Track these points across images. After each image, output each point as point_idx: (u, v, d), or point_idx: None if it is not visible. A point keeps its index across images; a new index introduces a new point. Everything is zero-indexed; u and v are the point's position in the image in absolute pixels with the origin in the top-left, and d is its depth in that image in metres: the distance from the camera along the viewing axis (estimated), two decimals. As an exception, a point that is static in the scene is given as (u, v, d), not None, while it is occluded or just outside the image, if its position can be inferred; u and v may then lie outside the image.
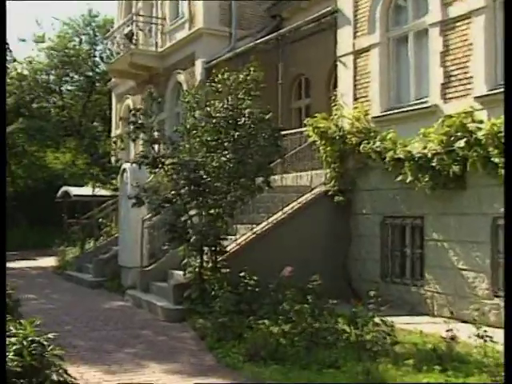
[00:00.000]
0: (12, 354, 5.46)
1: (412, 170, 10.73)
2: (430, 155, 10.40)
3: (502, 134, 8.81)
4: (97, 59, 37.26)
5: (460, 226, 10.31)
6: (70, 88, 37.91)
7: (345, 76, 13.17)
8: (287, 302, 8.23)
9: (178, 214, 10.27)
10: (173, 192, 10.40)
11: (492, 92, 9.83)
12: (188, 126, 10.58)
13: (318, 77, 17.85)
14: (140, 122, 10.33)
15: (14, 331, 5.87)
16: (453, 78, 10.66)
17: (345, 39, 13.16)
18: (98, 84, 36.68)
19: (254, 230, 11.87)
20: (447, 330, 7.62)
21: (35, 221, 31.41)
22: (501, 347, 5.97)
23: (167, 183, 11.12)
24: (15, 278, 17.64)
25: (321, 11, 14.42)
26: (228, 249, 11.30)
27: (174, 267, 12.41)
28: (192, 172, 9.82)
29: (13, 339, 5.68)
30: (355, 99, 12.84)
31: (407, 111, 11.59)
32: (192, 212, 10.76)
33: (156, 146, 10.60)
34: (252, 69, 10.65)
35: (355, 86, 12.92)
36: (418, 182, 10.66)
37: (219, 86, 10.72)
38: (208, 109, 10.61)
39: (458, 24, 10.59)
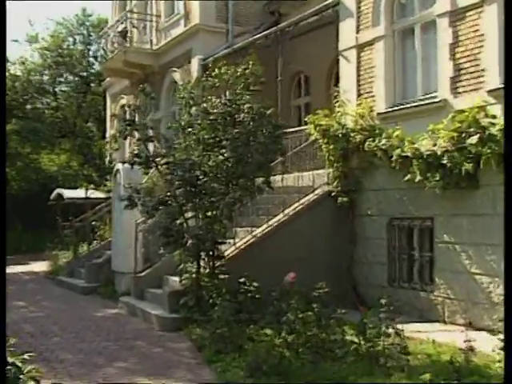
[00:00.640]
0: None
1: (421, 169, 10.14)
2: (439, 153, 9.82)
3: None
4: (91, 59, 36.61)
5: (473, 227, 9.70)
6: (64, 89, 37.22)
7: (347, 71, 12.57)
8: (291, 311, 7.60)
9: (172, 217, 9.64)
10: (167, 193, 9.78)
11: (507, 85, 9.22)
12: (183, 123, 9.95)
13: (317, 74, 17.31)
14: (132, 118, 9.70)
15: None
16: (463, 72, 10.06)
17: (347, 33, 12.56)
18: (92, 84, 36.02)
19: (254, 233, 11.26)
20: (465, 341, 7.01)
21: (30, 224, 30.78)
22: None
23: (162, 184, 10.52)
24: (7, 283, 17.06)
25: (321, 5, 13.83)
26: (226, 253, 10.69)
27: (170, 273, 11.82)
28: (187, 172, 9.18)
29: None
30: (359, 95, 12.24)
31: (414, 107, 10.99)
32: (188, 215, 10.15)
33: (150, 145, 9.94)
34: (251, 62, 10.02)
35: (358, 81, 12.32)
36: (427, 182, 10.08)
37: (216, 80, 10.10)
38: (204, 105, 9.99)
39: (469, 14, 9.99)
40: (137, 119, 9.92)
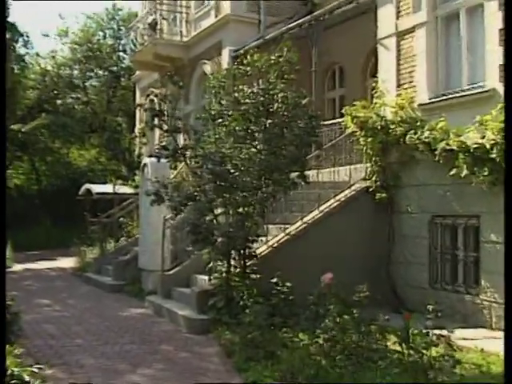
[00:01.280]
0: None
1: (467, 163, 9.44)
2: (488, 146, 9.12)
3: None
4: (121, 54, 36.32)
5: (524, 226, 8.97)
6: (94, 83, 37.02)
7: (386, 60, 11.89)
8: (330, 317, 6.97)
9: (201, 213, 9.06)
10: (196, 188, 9.22)
11: None
12: (213, 113, 9.37)
13: (353, 65, 16.69)
14: (159, 109, 9.15)
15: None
16: (514, 58, 9.32)
17: (386, 20, 11.87)
18: (122, 79, 35.75)
19: (288, 230, 10.66)
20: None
21: (59, 219, 30.65)
22: None
23: (191, 179, 9.98)
24: (33, 280, 16.76)
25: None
26: (258, 252, 10.10)
27: (199, 271, 11.31)
28: (217, 165, 8.59)
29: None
30: (398, 86, 11.56)
31: (459, 97, 10.27)
32: (218, 211, 9.59)
33: (180, 138, 9.39)
34: (285, 49, 9.40)
35: (398, 71, 11.63)
36: (474, 177, 9.38)
37: (248, 68, 9.49)
38: (236, 94, 9.40)
39: (521, -5, 9.24)
40: (165, 110, 9.33)
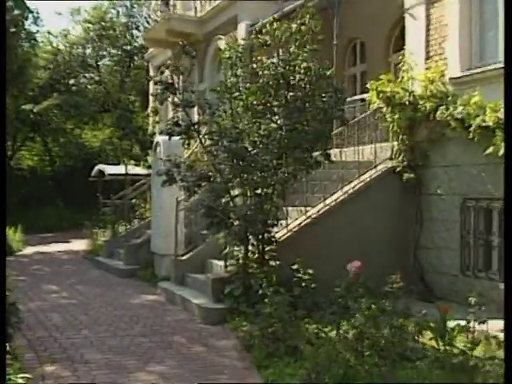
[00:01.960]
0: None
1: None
2: (529, 121, 8.33)
3: None
4: (134, 32, 35.53)
5: None
6: (107, 63, 36.30)
7: (414, 31, 11.07)
8: (360, 311, 6.27)
9: (217, 195, 8.35)
10: (211, 168, 8.52)
11: None
12: (229, 86, 8.62)
13: (375, 39, 15.80)
14: (170, 81, 8.42)
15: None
16: (559, 26, 8.50)
17: (415, -13, 11.05)
18: (136, 58, 35.01)
19: (309, 213, 9.96)
20: None
21: (72, 201, 30.17)
22: None
23: (205, 159, 9.29)
24: (43, 264, 16.20)
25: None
26: (277, 236, 9.40)
27: (214, 256, 10.66)
28: (234, 142, 7.87)
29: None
30: (428, 58, 10.76)
31: (496, 70, 9.44)
32: (234, 192, 8.89)
33: (191, 112, 8.67)
34: (307, 16, 8.62)
35: (428, 42, 10.82)
36: (513, 156, 8.59)
37: (267, 38, 8.73)
38: (254, 66, 8.66)
39: None
40: (177, 82, 8.59)
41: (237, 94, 8.61)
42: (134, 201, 16.54)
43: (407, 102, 10.47)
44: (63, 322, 8.85)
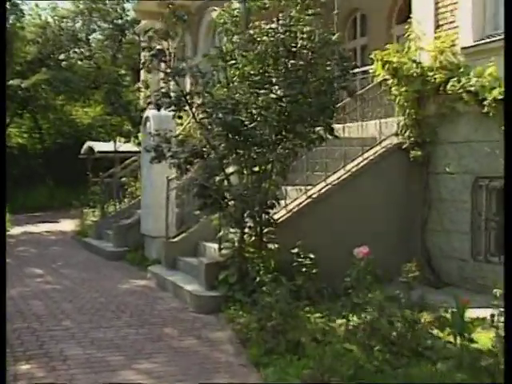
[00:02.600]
0: None
1: (525, 115, 7.95)
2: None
3: None
4: (126, 5, 34.44)
5: None
6: (98, 37, 35.28)
7: (422, -2, 10.32)
8: (373, 305, 5.58)
9: (211, 173, 7.62)
10: (204, 143, 7.79)
11: None
12: (224, 51, 7.85)
13: (376, 11, 15.19)
14: (159, 47, 7.65)
15: None
16: None
17: None
18: (127, 32, 34.02)
19: (309, 192, 9.26)
20: None
21: (62, 179, 29.35)
22: None
23: (198, 135, 8.55)
24: (29, 245, 15.48)
25: None
26: (276, 217, 8.70)
27: (208, 238, 9.99)
28: (230, 114, 7.12)
29: None
30: (437, 27, 10.00)
31: (512, 38, 8.73)
32: (229, 170, 8.17)
33: (183, 83, 7.90)
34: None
35: (437, 9, 10.06)
36: (532, 131, 7.89)
37: (266, 1, 7.95)
38: (251, 32, 7.90)
39: None
40: (167, 49, 7.80)
41: (233, 62, 7.86)
42: (123, 179, 15.77)
43: (415, 74, 9.74)
44: (44, 311, 8.15)
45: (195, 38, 18.96)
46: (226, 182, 7.94)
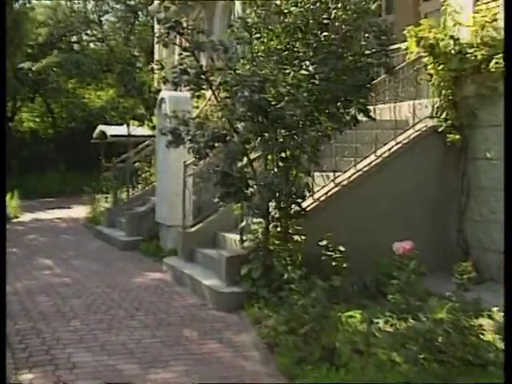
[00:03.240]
0: None
1: None
2: None
3: None
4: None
5: None
6: (110, 19, 34.46)
7: (460, -32, 9.49)
8: (425, 312, 4.86)
9: (233, 158, 6.89)
10: (226, 125, 7.05)
11: None
12: (249, 24, 7.08)
13: (403, -15, 14.32)
14: (176, 19, 6.89)
15: None
16: None
17: None
18: (140, 14, 33.23)
19: (338, 179, 8.54)
20: None
21: (74, 164, 28.81)
22: None
23: (216, 119, 7.81)
24: (39, 233, 14.87)
25: None
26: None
27: (228, 228, 9.33)
28: (256, 92, 6.39)
29: None
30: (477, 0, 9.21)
31: None
32: (253, 155, 7.44)
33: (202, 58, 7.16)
34: None
35: (476, -20, 9.26)
36: None
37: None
38: (277, 2, 7.13)
39: None
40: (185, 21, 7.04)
41: (258, 35, 7.11)
42: (137, 164, 15.07)
43: (453, 51, 8.94)
44: (52, 309, 7.49)
45: (211, 19, 18.18)
46: (249, 169, 7.21)
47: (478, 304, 5.11)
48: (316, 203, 8.32)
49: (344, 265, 7.60)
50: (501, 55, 8.35)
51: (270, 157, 7.17)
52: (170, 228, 11.15)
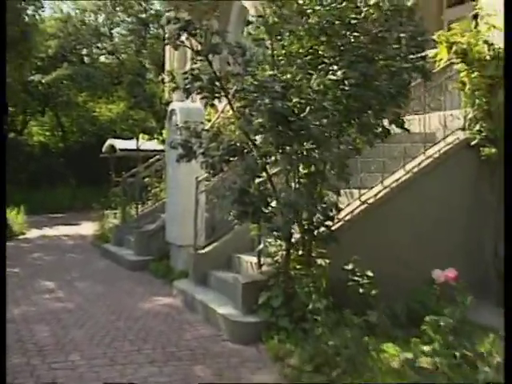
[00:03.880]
0: None
1: None
2: None
3: None
4: (151, -1, 33.16)
5: None
6: (121, 31, 34.05)
7: (493, -32, 8.79)
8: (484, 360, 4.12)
9: (252, 174, 6.19)
10: (243, 137, 6.35)
11: None
12: (270, 23, 6.37)
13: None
14: (188, 19, 6.22)
15: None
16: None
17: None
18: (151, 27, 32.75)
19: (364, 197, 7.82)
20: None
21: (85, 179, 28.27)
22: None
23: (229, 132, 7.10)
24: (44, 251, 14.21)
25: None
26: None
27: (244, 249, 8.63)
28: (278, 99, 5.68)
29: None
30: (512, 1, 8.49)
31: None
32: (272, 170, 6.72)
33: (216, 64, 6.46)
34: None
35: (511, -19, 8.55)
36: None
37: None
38: (300, 1, 6.45)
39: None
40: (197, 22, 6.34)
41: (278, 37, 6.41)
42: (147, 179, 14.41)
43: (488, 57, 8.25)
44: (50, 340, 6.77)
45: (224, 22, 17.53)
46: (269, 185, 6.49)
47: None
48: (340, 223, 7.60)
49: (373, 292, 6.89)
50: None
51: (291, 173, 6.42)
52: (180, 248, 10.45)
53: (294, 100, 5.85)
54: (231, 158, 6.39)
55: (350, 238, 7.45)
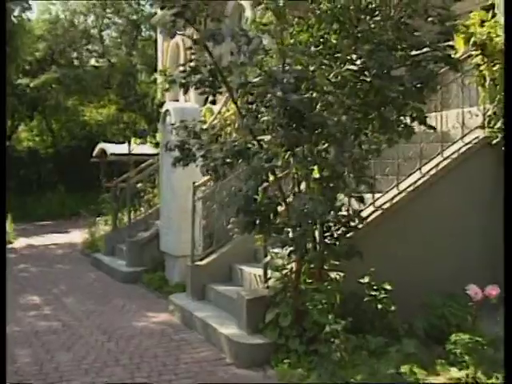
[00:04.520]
0: None
1: None
2: None
3: None
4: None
5: None
6: (111, 34, 33.28)
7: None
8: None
9: (260, 179, 5.48)
10: (248, 138, 5.65)
11: None
12: (280, 6, 5.64)
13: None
14: (183, 2, 5.48)
15: None
16: None
17: None
18: (143, 28, 32.02)
19: (378, 202, 7.13)
20: None
21: (74, 185, 27.41)
22: None
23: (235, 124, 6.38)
24: (31, 262, 13.44)
25: None
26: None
27: (246, 259, 7.96)
28: (292, 92, 4.96)
29: None
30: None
31: None
32: (281, 174, 6.01)
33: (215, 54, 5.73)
34: None
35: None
36: None
37: None
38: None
39: None
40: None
41: (285, 25, 5.72)
42: (139, 185, 13.65)
43: (510, 49, 7.59)
44: (31, 367, 6.04)
45: (219, 25, 16.87)
46: (278, 192, 5.77)
47: None
48: (353, 232, 6.90)
49: (392, 308, 6.22)
50: None
51: (301, 176, 5.71)
52: (176, 258, 9.72)
53: (307, 94, 5.14)
54: (235, 161, 5.65)
55: (364, 247, 6.71)
